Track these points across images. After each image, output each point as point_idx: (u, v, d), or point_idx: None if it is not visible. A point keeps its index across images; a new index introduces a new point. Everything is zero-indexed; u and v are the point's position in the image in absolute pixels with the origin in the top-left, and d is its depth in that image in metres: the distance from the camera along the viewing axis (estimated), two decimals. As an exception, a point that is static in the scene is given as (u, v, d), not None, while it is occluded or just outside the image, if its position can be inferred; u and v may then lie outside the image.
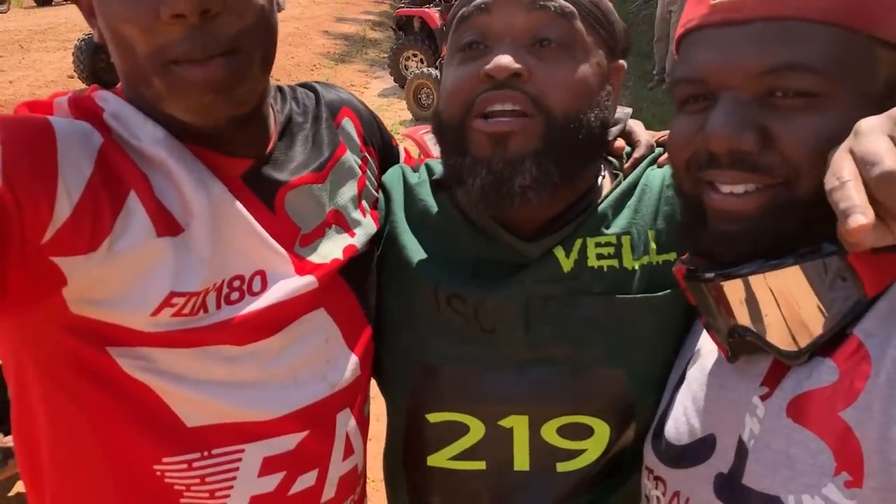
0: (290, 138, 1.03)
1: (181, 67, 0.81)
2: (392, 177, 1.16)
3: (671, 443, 0.91)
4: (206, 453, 0.90)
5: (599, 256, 1.01)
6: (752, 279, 0.77)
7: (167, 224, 0.85)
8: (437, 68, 8.98)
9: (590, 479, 1.02)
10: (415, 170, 1.17)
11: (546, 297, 1.00)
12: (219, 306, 0.88)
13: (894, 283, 0.74)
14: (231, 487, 0.92)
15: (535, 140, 0.93)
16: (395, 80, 10.21)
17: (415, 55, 10.00)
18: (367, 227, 1.07)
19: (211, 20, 0.80)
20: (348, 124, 1.13)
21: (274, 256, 0.93)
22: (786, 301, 0.76)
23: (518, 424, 1.01)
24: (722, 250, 0.80)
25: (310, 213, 1.00)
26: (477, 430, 1.02)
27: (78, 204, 0.78)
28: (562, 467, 1.01)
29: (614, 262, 1.01)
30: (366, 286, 1.08)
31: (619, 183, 1.06)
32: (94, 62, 9.16)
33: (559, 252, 1.01)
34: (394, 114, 9.17)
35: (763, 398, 0.80)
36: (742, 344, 0.82)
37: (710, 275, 0.81)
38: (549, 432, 1.01)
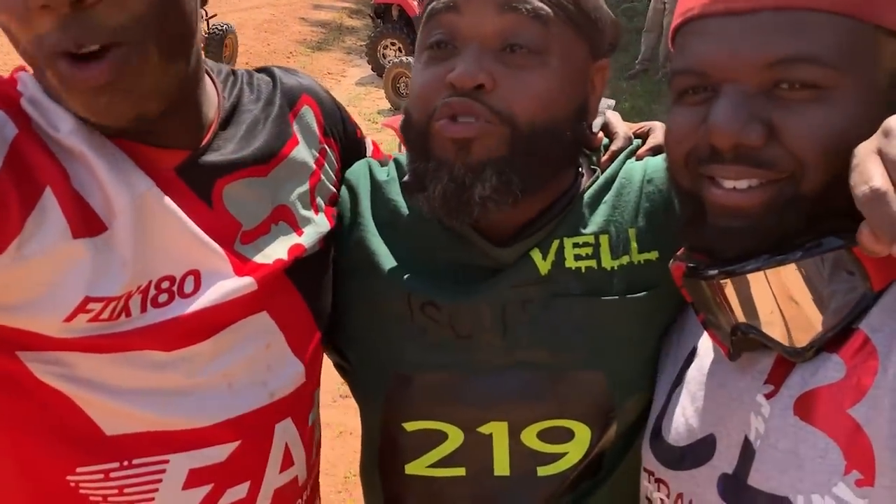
0: (235, 127, 0.96)
1: (61, 62, 0.74)
2: (358, 172, 1.11)
3: (671, 444, 0.90)
4: (125, 463, 0.84)
5: (577, 257, 0.98)
6: (756, 275, 0.75)
7: (87, 223, 0.78)
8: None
9: (571, 481, 1.01)
10: (383, 164, 1.12)
11: (523, 300, 0.97)
12: (144, 310, 0.82)
13: None
14: (152, 500, 0.86)
15: (499, 148, 0.89)
16: (372, 69, 10.13)
17: (393, 44, 9.92)
18: (318, 225, 1.01)
19: (85, 10, 0.72)
20: (308, 113, 1.06)
21: (209, 255, 0.87)
22: (791, 296, 0.75)
23: (497, 430, 0.99)
24: (724, 246, 0.78)
25: (252, 209, 0.93)
26: (455, 437, 1.00)
27: None
28: (543, 471, 1.00)
29: (592, 263, 0.98)
30: (317, 289, 1.02)
31: (596, 178, 1.03)
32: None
33: (536, 255, 0.98)
34: (371, 103, 9.11)
35: (768, 396, 0.78)
36: (745, 341, 0.80)
37: (713, 272, 0.79)
38: (530, 437, 0.99)
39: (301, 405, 0.99)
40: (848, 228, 0.71)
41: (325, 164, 1.07)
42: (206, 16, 8.99)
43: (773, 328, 0.77)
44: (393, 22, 10.04)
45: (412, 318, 1.00)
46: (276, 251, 0.94)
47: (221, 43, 9.05)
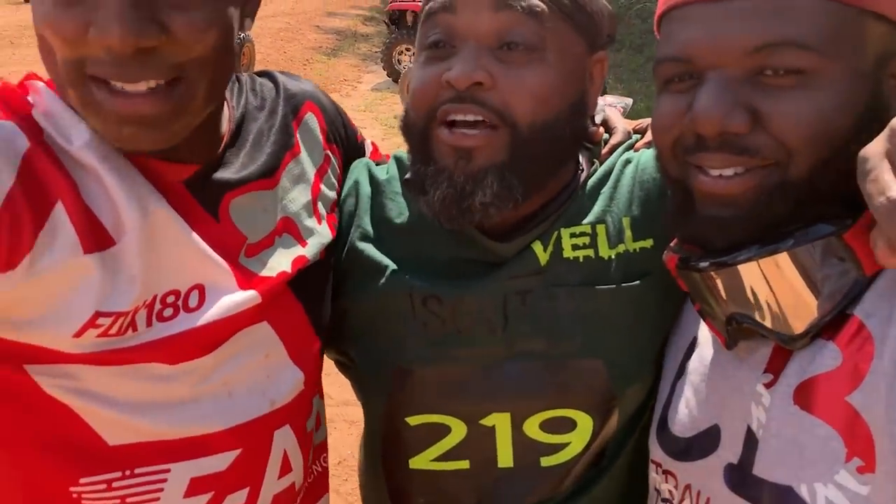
0: (244, 138, 0.95)
1: (99, 88, 0.72)
2: (357, 173, 1.11)
3: (676, 436, 0.90)
4: (127, 473, 0.83)
5: (574, 247, 0.99)
6: (748, 265, 0.75)
7: (97, 238, 0.77)
8: (430, 62, 8.96)
9: (574, 471, 1.01)
10: (380, 164, 1.12)
11: (523, 291, 0.97)
12: (150, 324, 0.81)
13: None
14: None
15: (500, 153, 0.90)
16: (388, 75, 10.19)
17: (408, 49, 9.97)
18: (321, 236, 1.00)
19: (146, 52, 0.71)
20: (311, 120, 1.05)
21: (214, 269, 0.86)
22: (783, 285, 0.74)
23: (500, 422, 0.99)
24: (713, 236, 0.77)
25: (258, 222, 0.92)
26: (458, 430, 1.00)
27: None
28: (546, 462, 1.00)
29: (590, 252, 0.98)
30: (317, 298, 1.01)
31: (595, 171, 1.04)
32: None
33: (537, 247, 0.98)
34: (388, 108, 9.16)
35: (767, 386, 0.78)
36: (740, 331, 0.80)
37: (704, 264, 0.78)
38: (532, 428, 0.99)
39: (300, 412, 0.98)
40: (835, 214, 0.71)
41: (329, 171, 1.06)
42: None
43: (766, 317, 0.76)
44: (407, 28, 10.09)
45: (414, 313, 1.00)
46: (280, 263, 0.93)
47: (240, 53, 9.11)
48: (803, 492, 0.72)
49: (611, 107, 1.14)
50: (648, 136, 1.05)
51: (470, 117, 0.89)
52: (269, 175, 0.94)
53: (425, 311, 0.99)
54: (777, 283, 0.75)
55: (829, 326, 0.73)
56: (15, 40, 11.90)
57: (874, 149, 0.62)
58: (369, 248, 1.03)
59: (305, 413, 1.00)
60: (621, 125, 1.09)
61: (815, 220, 0.72)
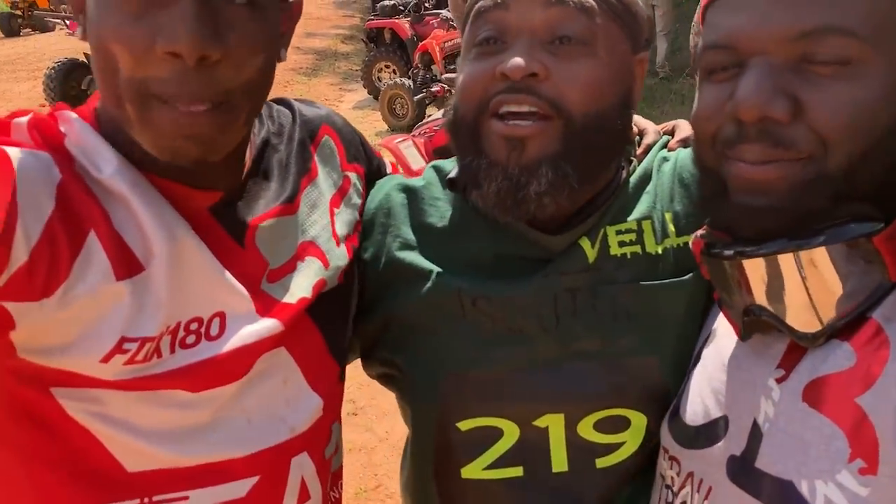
0: (266, 165, 0.97)
1: (160, 106, 0.76)
2: (387, 186, 1.12)
3: (686, 423, 0.90)
4: (145, 500, 0.84)
5: (621, 244, 1.00)
6: (772, 258, 0.75)
7: (127, 264, 0.79)
8: (409, 78, 8.99)
9: (630, 471, 1.01)
10: (410, 175, 1.14)
11: (573, 289, 0.98)
12: (173, 350, 0.82)
13: None
14: None
15: (553, 143, 0.92)
16: (368, 92, 10.19)
17: (387, 66, 10.00)
18: (339, 258, 1.01)
19: (207, 67, 0.75)
20: (328, 143, 1.07)
21: (235, 297, 0.87)
22: (805, 282, 0.74)
23: (553, 423, 0.99)
24: (743, 224, 0.77)
25: (280, 247, 0.94)
26: (511, 433, 1.00)
27: (35, 248, 0.71)
28: (601, 463, 0.99)
29: (637, 249, 1.00)
30: (335, 323, 1.01)
31: (635, 169, 1.06)
32: (64, 90, 9.02)
33: (585, 243, 0.99)
34: (369, 125, 9.16)
35: (779, 381, 0.78)
36: (756, 323, 0.80)
37: (729, 252, 0.79)
38: (586, 428, 0.99)
39: (318, 439, 0.98)
40: (868, 214, 0.72)
41: (350, 192, 1.07)
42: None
43: (785, 312, 0.76)
44: (386, 45, 10.11)
45: (464, 314, 0.99)
46: (301, 289, 0.94)
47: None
48: (803, 488, 0.72)
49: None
50: (680, 135, 1.08)
51: (524, 108, 0.91)
52: (290, 201, 0.96)
53: (476, 312, 0.99)
54: (798, 280, 0.74)
55: (846, 327, 0.74)
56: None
57: None
58: (411, 255, 1.04)
59: (324, 440, 1.00)
60: (651, 126, 1.13)
61: (847, 218, 0.71)
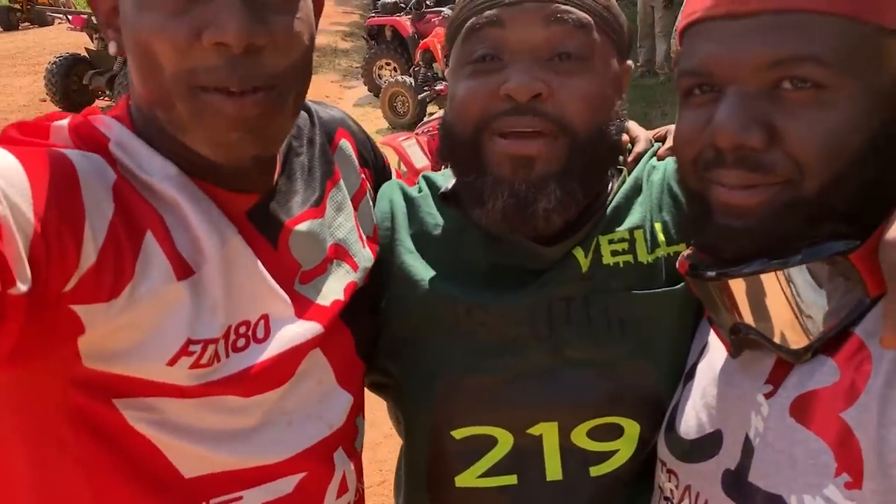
0: (292, 168, 0.98)
1: (210, 96, 0.76)
2: (390, 193, 1.13)
3: (681, 437, 0.91)
4: (202, 503, 0.86)
5: (614, 253, 1.00)
6: (754, 278, 0.76)
7: (182, 266, 0.80)
8: (410, 76, 9.00)
9: (623, 480, 1.01)
10: (415, 172, 1.15)
11: (567, 298, 0.98)
12: (227, 355, 0.83)
13: None
14: None
15: (560, 160, 0.92)
16: (369, 90, 10.22)
17: (388, 64, 10.02)
18: (366, 259, 1.03)
19: (253, 53, 0.76)
20: (346, 146, 1.08)
21: (276, 299, 0.89)
22: (788, 300, 0.76)
23: (547, 431, 0.99)
24: (723, 245, 0.79)
25: (311, 250, 0.95)
26: (505, 441, 1.00)
27: (102, 248, 0.72)
28: (595, 471, 0.99)
29: (629, 258, 1.00)
30: (363, 323, 1.03)
31: (625, 179, 1.06)
32: (66, 84, 9.03)
33: (578, 252, 1.00)
34: (370, 123, 9.17)
35: (767, 396, 0.79)
36: (744, 340, 0.81)
37: (710, 273, 0.80)
38: (580, 436, 0.99)
39: (350, 433, 1.01)
40: (846, 233, 0.73)
41: (367, 195, 1.08)
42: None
43: (769, 330, 0.78)
44: (386, 42, 10.14)
45: (458, 323, 1.00)
46: (333, 290, 0.95)
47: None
48: (793, 502, 0.73)
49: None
50: (670, 142, 1.07)
51: (530, 129, 0.91)
52: (317, 204, 0.97)
53: (470, 321, 1.00)
54: (781, 298, 0.76)
55: (829, 343, 0.75)
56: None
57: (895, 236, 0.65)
58: (409, 262, 1.04)
59: (353, 434, 1.02)
60: (643, 134, 1.13)
61: (826, 237, 0.73)
